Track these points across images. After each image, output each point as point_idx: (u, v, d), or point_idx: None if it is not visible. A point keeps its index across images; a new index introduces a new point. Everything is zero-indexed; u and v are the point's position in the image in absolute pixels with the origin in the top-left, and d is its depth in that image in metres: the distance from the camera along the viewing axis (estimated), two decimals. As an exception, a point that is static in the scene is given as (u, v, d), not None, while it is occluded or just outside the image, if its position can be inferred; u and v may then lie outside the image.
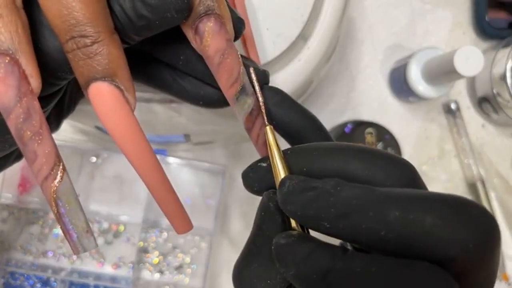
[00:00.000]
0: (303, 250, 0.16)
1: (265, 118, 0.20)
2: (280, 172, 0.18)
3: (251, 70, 0.20)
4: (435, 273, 0.14)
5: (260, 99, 0.20)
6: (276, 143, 0.19)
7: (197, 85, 0.21)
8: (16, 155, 0.23)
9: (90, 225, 0.54)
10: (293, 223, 0.18)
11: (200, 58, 0.20)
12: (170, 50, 0.20)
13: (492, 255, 0.15)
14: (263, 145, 0.21)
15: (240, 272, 0.19)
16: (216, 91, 0.21)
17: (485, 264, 0.15)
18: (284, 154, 0.19)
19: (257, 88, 0.20)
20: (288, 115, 0.20)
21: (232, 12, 0.19)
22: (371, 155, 0.17)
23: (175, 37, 0.20)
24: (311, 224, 0.16)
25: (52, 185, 0.16)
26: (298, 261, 0.16)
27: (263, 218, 0.18)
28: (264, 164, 0.19)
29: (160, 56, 0.21)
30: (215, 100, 0.21)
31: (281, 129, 0.20)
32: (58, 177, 0.16)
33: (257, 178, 0.19)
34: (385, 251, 0.15)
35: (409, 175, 0.17)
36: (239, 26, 0.20)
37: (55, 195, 0.16)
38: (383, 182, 0.17)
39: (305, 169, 0.18)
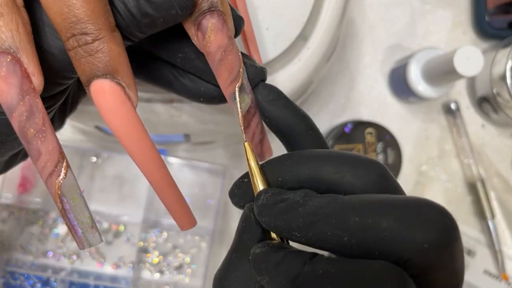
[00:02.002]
0: (275, 257, 0.17)
1: (244, 135, 0.20)
2: (259, 185, 0.19)
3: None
4: (390, 271, 0.15)
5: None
6: (254, 158, 0.19)
7: (197, 82, 0.21)
8: (23, 154, 0.24)
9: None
10: (272, 233, 0.19)
11: (198, 55, 0.20)
12: (169, 48, 0.21)
13: (450, 253, 0.15)
14: (259, 144, 0.22)
15: (221, 280, 0.19)
16: (216, 88, 0.21)
17: (444, 262, 0.15)
18: (262, 167, 0.20)
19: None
20: (281, 113, 0.20)
21: (232, 10, 0.20)
22: (339, 159, 0.18)
23: (174, 34, 0.20)
24: (284, 234, 0.17)
25: (56, 181, 0.17)
26: (271, 268, 0.17)
27: (244, 229, 0.19)
28: (246, 180, 0.20)
29: (159, 54, 0.21)
30: (215, 96, 0.22)
31: (274, 126, 0.21)
32: (62, 174, 0.17)
33: (241, 194, 0.20)
34: (351, 255, 0.16)
35: (377, 174, 0.18)
36: (238, 24, 0.20)
37: (59, 192, 0.17)
38: (352, 183, 0.17)
39: (280, 179, 0.19)
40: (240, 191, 0.20)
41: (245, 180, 0.20)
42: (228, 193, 0.21)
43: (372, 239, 0.15)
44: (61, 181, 0.17)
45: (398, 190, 0.18)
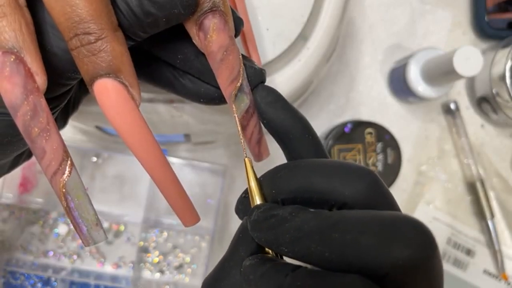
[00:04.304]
0: (261, 269, 0.18)
1: (245, 151, 0.21)
2: (256, 200, 0.20)
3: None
4: (360, 285, 0.15)
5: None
6: (253, 173, 0.20)
7: (197, 83, 0.22)
8: (27, 154, 0.24)
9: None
10: None
11: (198, 57, 0.20)
12: (169, 49, 0.21)
13: (426, 271, 0.16)
14: (256, 144, 0.22)
15: (210, 287, 0.20)
16: (215, 89, 0.21)
17: (421, 277, 0.16)
18: (259, 181, 0.20)
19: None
20: (279, 116, 0.21)
21: (232, 11, 0.20)
22: (329, 168, 0.18)
23: (174, 35, 0.20)
24: (274, 248, 0.18)
25: (61, 180, 0.17)
26: (257, 279, 0.17)
27: (240, 240, 0.20)
28: (247, 196, 0.21)
29: (159, 55, 0.21)
30: (215, 97, 0.22)
31: (271, 128, 0.21)
32: (67, 172, 0.17)
33: (243, 209, 0.21)
34: (333, 270, 0.16)
35: (367, 183, 0.18)
36: (238, 25, 0.20)
37: (64, 190, 0.17)
38: (342, 192, 0.18)
39: (274, 191, 0.19)
40: (243, 207, 0.21)
41: (246, 196, 0.21)
42: (234, 210, 0.22)
43: (351, 255, 0.15)
44: (66, 180, 0.17)
45: (388, 199, 0.18)
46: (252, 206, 0.20)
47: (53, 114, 0.19)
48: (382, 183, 0.18)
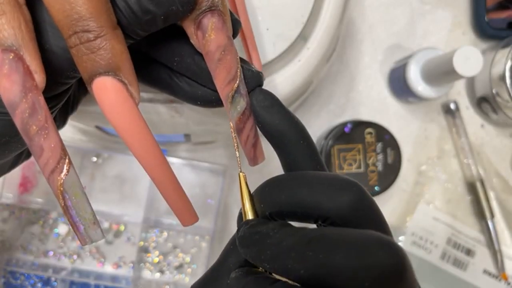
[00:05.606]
0: (244, 281, 0.18)
1: (239, 164, 0.21)
2: (248, 215, 0.20)
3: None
4: None
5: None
6: (246, 188, 0.20)
7: (194, 86, 0.21)
8: (27, 153, 0.24)
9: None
10: None
11: (195, 59, 0.20)
12: (166, 51, 0.21)
13: (402, 283, 0.16)
14: (252, 148, 0.22)
15: None
16: (212, 92, 0.21)
17: None
18: (251, 196, 0.20)
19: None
20: (274, 120, 0.20)
21: (230, 13, 0.20)
22: (313, 183, 0.18)
23: (171, 37, 0.20)
24: (258, 264, 0.18)
25: (58, 178, 0.17)
26: None
27: (230, 252, 0.20)
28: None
29: (157, 57, 0.21)
30: (212, 100, 0.22)
31: (267, 133, 0.21)
32: (65, 170, 0.17)
33: (240, 223, 0.21)
34: (308, 286, 0.16)
35: (352, 196, 0.18)
36: (236, 27, 0.20)
37: (62, 188, 0.17)
38: (327, 206, 0.18)
39: (262, 205, 0.19)
40: (240, 221, 0.21)
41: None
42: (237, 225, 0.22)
43: (323, 274, 0.16)
44: (64, 178, 0.17)
45: (374, 212, 0.18)
46: (243, 221, 0.20)
47: (51, 113, 0.19)
48: (367, 195, 0.18)
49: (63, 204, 0.17)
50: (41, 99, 0.16)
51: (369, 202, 0.18)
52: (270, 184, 0.20)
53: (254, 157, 0.22)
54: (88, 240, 0.17)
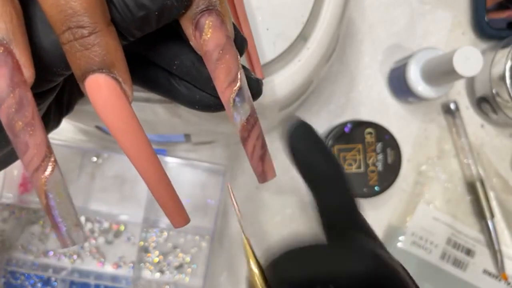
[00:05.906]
0: None
1: (244, 232, 0.20)
2: (257, 283, 0.20)
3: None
4: None
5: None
6: (253, 257, 0.20)
7: (193, 90, 0.21)
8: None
9: (91, 224, 0.53)
10: None
11: (194, 63, 0.20)
12: (165, 54, 0.20)
13: None
14: (259, 161, 0.20)
15: None
16: (211, 97, 0.21)
17: None
18: (260, 264, 0.20)
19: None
20: (316, 159, 0.21)
21: (236, 31, 0.19)
22: (328, 258, 0.19)
23: (170, 41, 0.20)
24: None
25: (42, 177, 0.16)
26: None
27: None
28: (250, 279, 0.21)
29: (155, 60, 0.21)
30: (210, 105, 0.21)
31: (305, 172, 0.21)
32: (49, 169, 0.16)
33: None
34: None
35: (368, 269, 0.18)
36: (241, 45, 0.20)
37: (45, 187, 0.16)
38: (347, 282, 0.18)
39: (275, 281, 0.19)
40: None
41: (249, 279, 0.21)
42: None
43: None
44: (48, 177, 0.16)
45: (392, 279, 0.18)
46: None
47: (38, 110, 0.19)
48: (385, 263, 0.18)
49: (45, 204, 0.16)
50: (29, 94, 0.16)
51: (386, 271, 0.18)
52: (285, 259, 0.20)
53: (263, 173, 0.20)
54: (69, 242, 0.17)
